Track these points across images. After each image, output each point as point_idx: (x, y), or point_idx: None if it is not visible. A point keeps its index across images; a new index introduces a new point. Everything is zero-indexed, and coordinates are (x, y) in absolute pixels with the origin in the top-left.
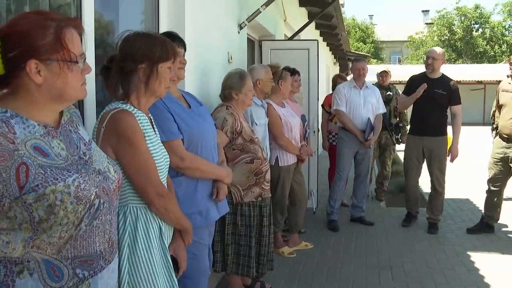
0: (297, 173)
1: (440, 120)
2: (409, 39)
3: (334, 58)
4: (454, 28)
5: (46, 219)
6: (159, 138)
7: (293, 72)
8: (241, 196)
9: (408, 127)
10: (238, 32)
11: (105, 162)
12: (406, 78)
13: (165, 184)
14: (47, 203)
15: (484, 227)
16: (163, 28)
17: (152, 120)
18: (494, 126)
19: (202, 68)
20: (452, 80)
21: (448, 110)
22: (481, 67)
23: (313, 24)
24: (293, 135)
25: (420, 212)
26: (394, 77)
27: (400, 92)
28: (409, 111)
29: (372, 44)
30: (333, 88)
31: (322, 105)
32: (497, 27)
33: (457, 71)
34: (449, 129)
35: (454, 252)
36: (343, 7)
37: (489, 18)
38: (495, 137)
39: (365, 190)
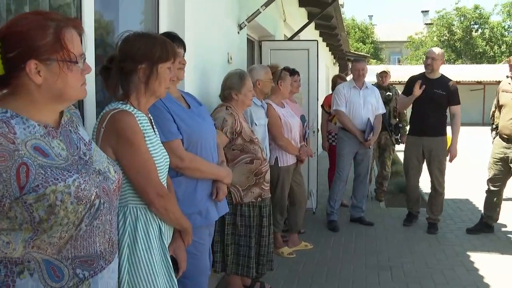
0: (297, 173)
1: (440, 121)
2: (409, 40)
3: (334, 58)
4: (453, 29)
5: (47, 219)
6: (159, 139)
7: (293, 72)
8: (240, 197)
9: (408, 127)
10: (238, 33)
11: (105, 163)
12: (405, 78)
13: (165, 185)
14: (48, 203)
15: (484, 227)
16: (163, 29)
17: (152, 121)
18: (494, 126)
19: (202, 68)
20: (451, 80)
21: (448, 111)
22: (480, 67)
23: (312, 25)
24: (292, 135)
25: (420, 212)
26: (394, 77)
27: (400, 93)
28: (408, 112)
29: (372, 45)
30: (333, 89)
31: (322, 106)
32: (496, 27)
33: (456, 72)
34: (449, 129)
35: (454, 252)
36: (342, 7)
37: (488, 18)
38: (495, 137)
39: (365, 190)
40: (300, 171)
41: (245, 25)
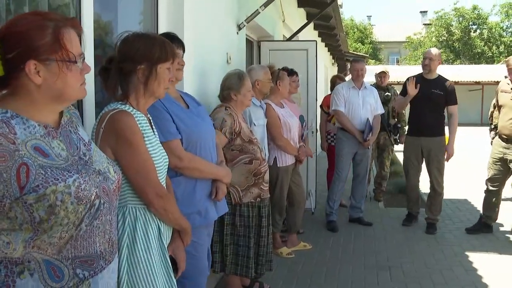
0: (295, 173)
1: (438, 121)
2: (407, 40)
3: (333, 58)
4: (452, 29)
5: (47, 220)
6: (158, 139)
7: (291, 72)
8: (240, 197)
9: (406, 127)
10: (237, 33)
11: (105, 163)
12: (404, 78)
13: (164, 185)
14: (48, 204)
15: (483, 227)
16: (162, 29)
17: (151, 121)
18: (492, 126)
19: (201, 68)
20: (448, 80)
21: (445, 111)
22: (479, 67)
23: (311, 25)
24: (291, 135)
25: (419, 212)
26: (392, 77)
27: (398, 93)
28: (407, 112)
29: (370, 45)
30: (332, 89)
31: (321, 106)
32: (494, 28)
33: (455, 72)
34: (446, 129)
35: (453, 252)
36: (341, 7)
37: (487, 19)
38: (493, 137)
39: (364, 190)
40: (299, 172)
41: (244, 25)
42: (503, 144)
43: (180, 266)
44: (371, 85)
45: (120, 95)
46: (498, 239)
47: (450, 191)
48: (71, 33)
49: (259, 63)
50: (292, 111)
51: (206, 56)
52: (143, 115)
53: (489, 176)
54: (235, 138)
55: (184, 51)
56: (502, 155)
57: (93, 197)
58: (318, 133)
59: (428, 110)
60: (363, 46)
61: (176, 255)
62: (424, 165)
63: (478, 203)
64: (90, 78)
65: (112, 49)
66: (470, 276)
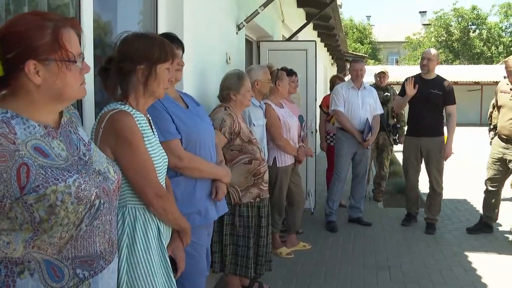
0: (295, 173)
1: (436, 121)
2: (407, 40)
3: (332, 59)
4: (451, 29)
5: (47, 220)
6: (158, 139)
7: (290, 72)
8: (239, 197)
9: (406, 127)
10: (236, 33)
11: (105, 163)
12: (403, 79)
13: (164, 185)
14: (48, 204)
15: (484, 227)
16: (161, 29)
17: (151, 121)
18: (491, 126)
19: (201, 68)
20: (446, 80)
21: (444, 111)
22: (478, 68)
23: (311, 25)
24: (291, 135)
25: (418, 213)
26: (392, 78)
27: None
28: (406, 112)
29: (370, 45)
30: (331, 89)
31: (320, 106)
32: (494, 28)
33: (454, 72)
34: (444, 128)
35: (452, 253)
36: (340, 8)
37: (486, 19)
38: (493, 137)
39: (363, 190)
40: (298, 172)
41: (244, 25)
42: (503, 144)
43: (179, 266)
44: (370, 85)
45: (119, 95)
46: (497, 239)
47: (449, 191)
48: (70, 33)
49: (259, 63)
50: (291, 111)
51: (206, 56)
52: (143, 115)
53: (488, 176)
54: (235, 138)
55: (183, 51)
56: (501, 155)
57: (93, 197)
58: (318, 133)
59: (427, 110)
60: (362, 46)
61: (176, 255)
62: (423, 165)
63: (477, 203)
64: (89, 78)
65: (111, 49)
66: (469, 276)
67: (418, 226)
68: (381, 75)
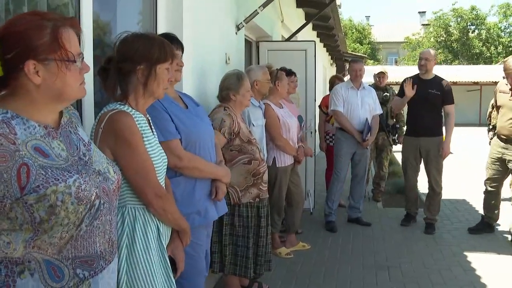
0: (294, 174)
1: (435, 121)
2: (406, 40)
3: (331, 59)
4: (450, 30)
5: (47, 220)
6: (157, 139)
7: (289, 73)
8: (238, 197)
9: (405, 128)
10: (236, 33)
11: (105, 163)
12: (402, 79)
13: (163, 185)
14: (48, 204)
15: (485, 227)
16: (161, 29)
17: (150, 121)
18: (490, 127)
19: (200, 69)
20: (444, 80)
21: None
22: (477, 68)
23: (310, 25)
24: (290, 135)
25: (417, 213)
26: (391, 78)
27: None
28: (406, 112)
29: (369, 45)
30: (331, 89)
31: (319, 106)
32: (493, 28)
33: (453, 72)
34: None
35: (451, 252)
36: (340, 8)
37: (485, 19)
38: (492, 137)
39: (362, 191)
40: (298, 172)
41: (243, 25)
42: (502, 144)
43: (179, 266)
44: (369, 85)
45: (119, 95)
46: (496, 239)
47: (448, 191)
48: (70, 32)
49: (258, 64)
50: (290, 111)
51: (205, 56)
52: (142, 116)
53: (487, 176)
54: (234, 139)
55: (183, 52)
56: (500, 155)
57: (93, 197)
58: (317, 133)
59: (425, 110)
60: (361, 47)
61: (175, 255)
62: (422, 165)
63: (476, 203)
64: (89, 78)
65: (111, 49)
66: (469, 276)
67: (417, 226)
68: (380, 75)
